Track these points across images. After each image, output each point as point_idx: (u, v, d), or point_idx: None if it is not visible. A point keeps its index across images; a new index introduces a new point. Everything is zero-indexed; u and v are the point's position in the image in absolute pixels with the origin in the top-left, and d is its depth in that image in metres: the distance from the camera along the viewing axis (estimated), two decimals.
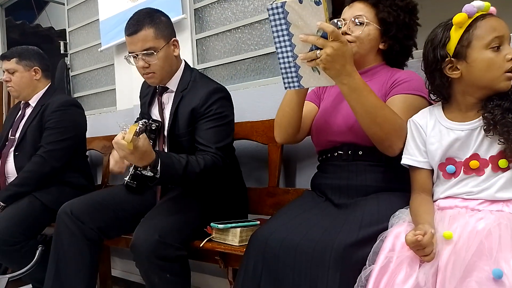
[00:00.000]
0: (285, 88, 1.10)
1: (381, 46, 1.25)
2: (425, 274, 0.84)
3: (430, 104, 1.13)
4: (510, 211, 0.92)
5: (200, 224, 1.42)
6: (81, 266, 1.43)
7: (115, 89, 2.58)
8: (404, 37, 1.23)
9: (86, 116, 2.06)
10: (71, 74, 2.95)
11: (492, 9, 0.98)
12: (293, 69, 1.05)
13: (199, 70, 2.07)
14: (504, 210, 0.93)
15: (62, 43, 2.96)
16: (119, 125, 1.20)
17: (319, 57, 0.99)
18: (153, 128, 1.53)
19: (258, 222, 1.38)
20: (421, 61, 1.06)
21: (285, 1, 0.96)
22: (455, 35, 0.97)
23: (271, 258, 1.05)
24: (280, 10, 0.97)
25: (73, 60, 2.95)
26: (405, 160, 1.07)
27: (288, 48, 1.02)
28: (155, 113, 1.60)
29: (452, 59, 0.98)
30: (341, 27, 1.22)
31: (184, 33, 2.16)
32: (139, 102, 1.74)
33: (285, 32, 1.00)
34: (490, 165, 0.96)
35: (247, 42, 2.01)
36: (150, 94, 1.63)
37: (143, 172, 1.29)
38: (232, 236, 1.32)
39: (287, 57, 1.03)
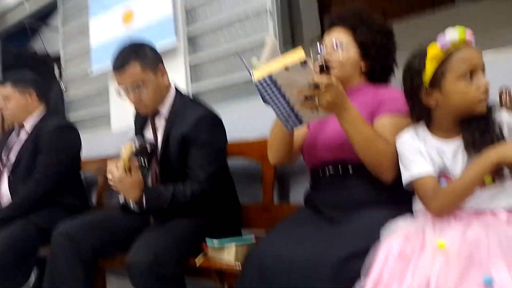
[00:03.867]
0: (288, 130, 1.14)
1: (362, 68, 1.30)
2: (417, 285, 0.86)
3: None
4: (496, 219, 0.95)
5: (195, 241, 1.43)
6: (75, 285, 1.42)
7: (109, 112, 2.61)
8: (384, 57, 1.28)
9: (81, 138, 2.08)
10: (66, 97, 2.98)
11: (468, 38, 1.00)
12: (292, 115, 1.10)
13: (193, 93, 2.13)
14: (491, 219, 0.96)
15: (56, 68, 3.01)
16: (118, 147, 1.24)
17: (319, 104, 1.05)
18: (148, 150, 1.54)
19: (252, 236, 1.39)
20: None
21: (271, 75, 1.00)
22: (430, 66, 1.01)
23: (267, 275, 1.05)
24: (268, 81, 1.01)
25: (68, 83, 2.99)
26: (411, 175, 1.04)
27: (284, 104, 1.06)
28: (148, 136, 1.62)
29: (428, 88, 1.02)
30: (322, 51, 1.26)
31: (177, 57, 2.21)
32: (133, 127, 1.76)
33: (277, 94, 1.04)
34: None
35: (240, 65, 2.06)
36: (142, 118, 1.65)
37: (130, 205, 1.33)
38: (228, 254, 1.33)
39: (284, 109, 1.08)
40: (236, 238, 1.39)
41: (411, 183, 1.06)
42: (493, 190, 0.98)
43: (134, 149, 1.19)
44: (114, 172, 1.28)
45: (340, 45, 1.26)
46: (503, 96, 1.11)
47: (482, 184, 0.98)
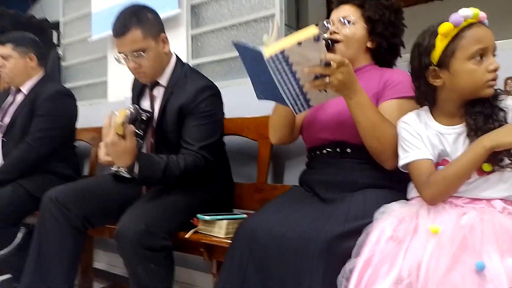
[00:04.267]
0: (296, 113, 1.12)
1: (368, 45, 1.27)
2: (409, 266, 0.85)
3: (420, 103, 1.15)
4: (492, 207, 0.94)
5: (186, 216, 1.42)
6: (63, 254, 1.41)
7: (106, 81, 2.57)
8: (391, 35, 1.26)
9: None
10: (63, 64, 2.92)
11: (482, 16, 0.98)
12: (301, 97, 1.07)
13: (193, 66, 2.08)
14: (486, 207, 0.95)
15: (55, 33, 2.94)
16: (111, 111, 1.20)
17: (329, 83, 1.02)
18: (144, 118, 1.52)
19: (245, 216, 1.38)
20: (408, 62, 1.08)
21: (283, 50, 0.96)
22: (440, 44, 0.98)
23: (257, 249, 1.05)
24: (280, 56, 0.98)
25: (66, 51, 2.93)
26: (409, 158, 1.03)
27: (294, 83, 1.04)
28: (145, 106, 1.59)
29: (436, 68, 1.00)
30: (329, 28, 1.24)
31: (180, 28, 2.16)
32: (130, 95, 1.73)
33: (288, 72, 1.01)
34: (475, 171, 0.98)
35: (243, 40, 2.02)
36: (140, 86, 1.63)
37: (120, 172, 1.29)
38: (219, 229, 1.32)
39: (293, 90, 1.05)
40: (228, 215, 1.38)
41: (407, 166, 1.05)
42: (491, 179, 0.97)
43: (128, 115, 1.15)
44: (108, 135, 1.24)
45: (347, 19, 1.24)
46: (508, 83, 1.09)
47: (481, 172, 0.97)
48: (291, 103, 1.07)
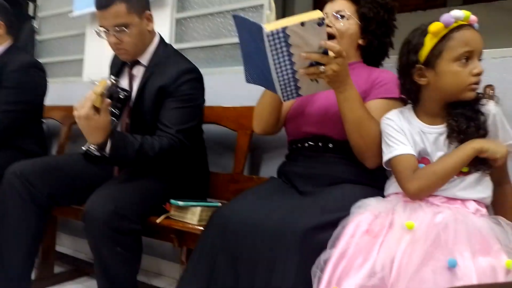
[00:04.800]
0: (284, 100, 1.10)
1: (360, 42, 1.27)
2: (382, 260, 0.85)
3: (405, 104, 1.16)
4: (466, 208, 0.96)
5: (158, 200, 1.37)
6: (24, 233, 1.33)
7: (83, 59, 2.47)
8: (382, 34, 1.27)
9: (49, 83, 1.94)
10: (38, 38, 2.79)
11: (473, 19, 0.99)
12: (292, 83, 1.06)
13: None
14: (460, 207, 0.96)
15: (31, 5, 2.80)
16: (89, 80, 1.14)
17: (323, 72, 1.01)
18: (121, 97, 1.46)
19: (220, 204, 1.35)
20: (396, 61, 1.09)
21: (286, 27, 0.95)
22: (429, 43, 0.99)
23: (230, 237, 1.03)
24: (281, 34, 0.96)
25: (42, 24, 2.80)
26: (392, 153, 1.03)
27: (288, 66, 1.02)
28: (123, 85, 1.53)
29: (422, 66, 1.01)
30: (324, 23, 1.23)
31: (164, 11, 2.10)
32: (108, 73, 1.67)
33: (285, 53, 0.99)
34: None
35: (228, 27, 1.99)
36: (119, 64, 1.57)
37: (90, 149, 1.24)
38: (192, 215, 1.29)
39: (287, 74, 1.03)
40: (202, 202, 1.35)
41: (389, 162, 1.05)
42: (467, 180, 0.98)
43: (109, 85, 1.09)
44: (83, 107, 1.17)
45: (341, 13, 1.23)
46: (487, 91, 1.12)
47: (458, 172, 0.98)
48: (281, 88, 1.05)
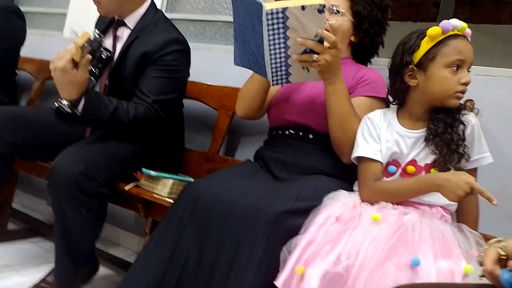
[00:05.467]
0: (273, 84, 1.10)
1: (352, 39, 1.28)
2: (349, 250, 0.87)
3: (388, 105, 1.18)
4: (433, 213, 0.99)
5: (129, 168, 1.34)
6: None
7: (66, 13, 2.35)
8: (375, 33, 1.28)
9: (27, 34, 1.84)
10: None
11: (467, 32, 1.03)
12: (283, 68, 1.05)
13: None
14: (426, 210, 0.99)
15: None
16: (72, 30, 1.08)
17: (316, 61, 1.01)
18: (103, 56, 1.40)
19: (193, 179, 1.33)
20: (384, 64, 1.11)
21: (287, 7, 0.94)
22: (425, 46, 1.02)
23: (201, 211, 1.02)
24: (280, 15, 0.95)
25: None
26: (362, 152, 1.06)
27: (282, 50, 1.01)
28: (107, 45, 1.47)
29: (414, 67, 1.03)
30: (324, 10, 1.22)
31: None
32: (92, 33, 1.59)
33: (281, 35, 0.98)
34: (423, 172, 1.03)
35: (223, 4, 1.95)
36: (106, 24, 1.50)
37: (62, 106, 1.19)
38: (162, 186, 1.26)
39: (280, 57, 1.03)
40: (175, 175, 1.32)
41: (357, 159, 1.08)
42: None
43: (92, 38, 1.04)
44: (61, 58, 1.11)
45: (337, 9, 1.23)
46: (467, 105, 1.15)
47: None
48: (271, 72, 1.04)
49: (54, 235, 1.28)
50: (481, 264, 0.66)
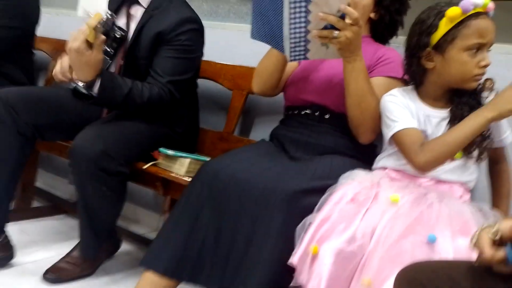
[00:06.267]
0: (290, 60, 1.08)
1: (372, 15, 1.25)
2: (364, 229, 0.88)
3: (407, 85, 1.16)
4: (452, 191, 0.99)
5: (146, 147, 1.36)
6: (5, 160, 1.29)
7: None
8: (396, 11, 1.25)
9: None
10: None
11: (490, 7, 0.98)
12: (302, 43, 1.03)
13: None
14: (446, 190, 0.99)
15: None
16: (84, 10, 1.09)
17: (336, 37, 0.99)
18: (117, 36, 1.40)
19: (209, 159, 1.35)
20: (401, 43, 1.08)
21: None
22: (443, 27, 0.98)
23: (217, 190, 1.04)
24: None
25: None
26: (398, 127, 1.01)
27: (302, 24, 1.00)
28: (121, 24, 1.47)
29: (431, 50, 1.00)
30: None
31: None
32: (103, 10, 1.59)
33: (303, 9, 0.97)
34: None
35: None
36: (119, 2, 1.49)
37: (78, 87, 1.20)
38: (180, 165, 1.28)
39: (299, 32, 1.01)
40: (192, 154, 1.34)
41: (393, 138, 1.04)
42: (456, 163, 1.01)
43: (104, 19, 1.04)
44: (75, 39, 1.12)
45: None
46: (487, 83, 1.12)
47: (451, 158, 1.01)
48: (290, 47, 1.03)
49: (77, 213, 1.33)
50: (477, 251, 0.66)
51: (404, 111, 1.05)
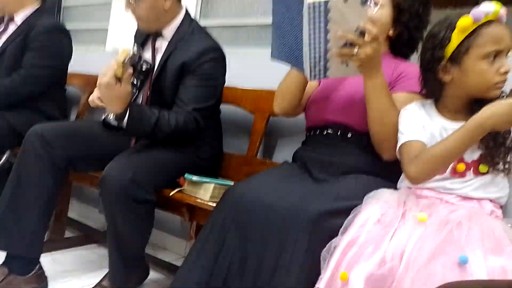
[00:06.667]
0: (310, 79, 1.09)
1: (390, 33, 1.25)
2: (393, 251, 0.86)
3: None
4: (481, 208, 0.95)
5: (173, 174, 1.39)
6: (42, 192, 1.36)
7: (107, 28, 2.48)
8: (414, 28, 1.24)
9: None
10: (63, 4, 2.80)
11: (502, 14, 0.96)
12: (322, 62, 1.04)
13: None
14: (476, 207, 0.96)
15: None
16: (113, 46, 1.15)
17: (356, 55, 1.00)
18: (144, 69, 1.47)
19: (233, 183, 1.36)
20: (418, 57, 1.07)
21: (328, 0, 0.94)
22: (456, 39, 0.97)
23: (242, 214, 1.04)
24: (322, 8, 0.95)
25: None
26: (405, 138, 1.01)
27: (322, 43, 1.01)
28: (146, 57, 1.54)
29: (447, 63, 0.98)
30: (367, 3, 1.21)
31: None
32: (130, 45, 1.67)
33: (322, 29, 0.98)
34: (472, 169, 0.99)
35: (255, 6, 1.97)
36: (144, 36, 1.57)
37: (108, 119, 1.26)
38: (204, 191, 1.30)
39: (319, 51, 1.02)
40: (216, 179, 1.36)
41: (399, 150, 1.04)
42: (484, 180, 0.98)
43: (131, 54, 1.10)
44: (105, 75, 1.19)
45: (376, 1, 1.20)
46: None
47: (476, 172, 0.98)
48: (309, 66, 1.04)
49: (107, 241, 1.37)
50: None
51: (414, 124, 1.03)
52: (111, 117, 1.29)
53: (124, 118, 1.26)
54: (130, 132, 1.34)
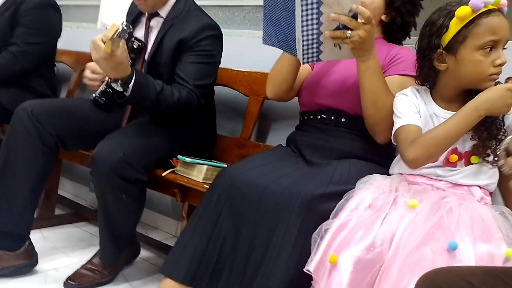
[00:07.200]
0: (303, 63, 1.09)
1: (383, 18, 1.25)
2: (383, 235, 0.87)
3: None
4: (472, 195, 0.97)
5: (165, 155, 1.38)
6: (31, 170, 1.33)
7: (99, 5, 2.41)
8: (407, 12, 1.23)
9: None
10: None
11: (503, 3, 0.95)
12: (315, 45, 1.04)
13: None
14: (466, 194, 0.97)
15: None
16: (102, 22, 1.11)
17: (349, 37, 0.99)
18: (134, 47, 1.44)
19: (226, 165, 1.36)
20: (415, 45, 1.06)
21: None
22: (453, 28, 0.96)
23: (235, 196, 1.04)
24: None
25: None
26: (401, 122, 1.01)
27: (315, 26, 1.00)
28: (139, 35, 1.50)
29: (443, 51, 0.98)
30: None
31: None
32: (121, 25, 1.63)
33: (314, 11, 0.97)
34: (463, 160, 1.00)
35: None
36: (136, 13, 1.53)
37: (113, 85, 1.21)
38: (197, 172, 1.30)
39: (311, 34, 1.02)
40: (209, 161, 1.35)
41: (395, 134, 1.04)
42: (473, 168, 0.99)
43: (120, 30, 1.06)
44: (96, 50, 1.13)
45: None
46: (510, 82, 1.09)
47: (468, 163, 0.99)
48: (302, 49, 1.04)
49: (97, 220, 1.36)
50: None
51: (410, 108, 1.03)
52: (115, 84, 1.20)
53: (129, 83, 1.20)
54: (133, 100, 1.26)
